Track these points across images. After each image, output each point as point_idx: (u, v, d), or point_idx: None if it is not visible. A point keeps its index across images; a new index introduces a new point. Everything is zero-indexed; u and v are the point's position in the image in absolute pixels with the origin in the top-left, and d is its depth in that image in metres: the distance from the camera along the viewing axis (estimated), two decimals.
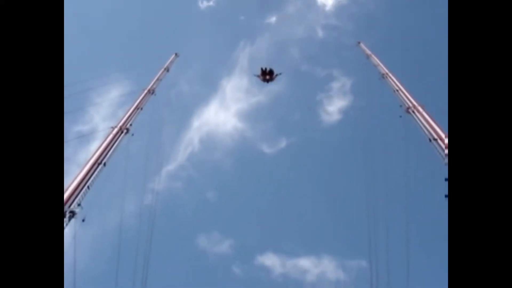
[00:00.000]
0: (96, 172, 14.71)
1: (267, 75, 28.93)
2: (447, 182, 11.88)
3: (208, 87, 53.78)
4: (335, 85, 46.22)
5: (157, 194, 20.06)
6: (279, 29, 55.23)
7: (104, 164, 15.16)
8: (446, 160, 12.54)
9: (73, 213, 13.49)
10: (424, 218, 33.88)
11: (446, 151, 12.95)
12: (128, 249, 17.39)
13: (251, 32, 54.90)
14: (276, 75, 29.11)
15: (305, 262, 36.32)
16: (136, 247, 16.39)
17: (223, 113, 47.64)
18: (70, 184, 13.36)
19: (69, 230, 13.59)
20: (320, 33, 52.52)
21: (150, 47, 51.67)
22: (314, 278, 37.64)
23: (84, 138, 19.19)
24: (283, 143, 44.19)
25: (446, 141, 13.44)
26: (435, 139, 14.32)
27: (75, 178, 13.73)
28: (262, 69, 29.39)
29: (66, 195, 13.10)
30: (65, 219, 13.17)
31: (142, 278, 15.10)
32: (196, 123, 44.65)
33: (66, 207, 13.14)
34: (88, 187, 14.31)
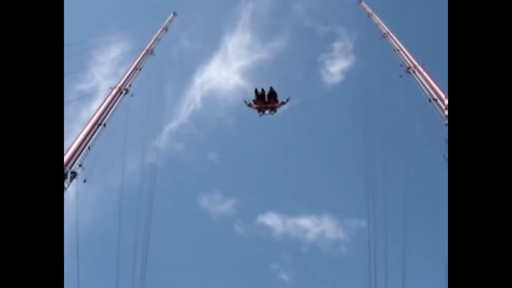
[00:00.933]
0: (96, 133, 14.77)
1: (266, 100, 19.80)
2: (446, 143, 11.94)
3: (209, 44, 53.05)
4: (337, 45, 45.59)
5: (157, 153, 20.11)
6: None
7: (104, 125, 15.20)
8: (446, 121, 12.55)
9: (74, 174, 13.63)
10: (422, 178, 34.16)
11: (446, 112, 12.94)
12: (131, 207, 17.65)
13: None
14: (282, 102, 20.02)
15: (305, 222, 36.97)
16: (138, 205, 16.59)
17: (225, 71, 47.12)
18: (70, 145, 13.43)
19: (72, 190, 13.81)
20: None
21: (152, 4, 50.68)
22: (315, 237, 38.33)
23: (85, 97, 19.20)
24: (285, 105, 43.97)
25: (446, 102, 13.41)
26: (435, 99, 14.28)
27: (76, 139, 13.80)
28: (256, 91, 19.62)
29: (66, 156, 13.19)
30: (66, 180, 13.31)
31: (144, 238, 15.37)
32: (198, 80, 44.24)
33: (67, 168, 13.25)
34: (88, 147, 14.39)
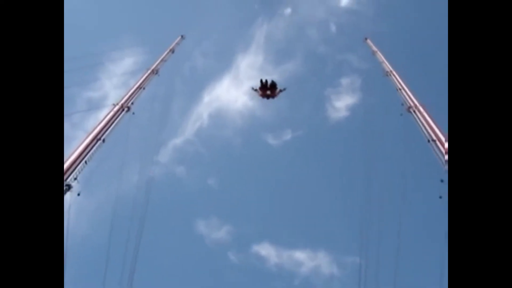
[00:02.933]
0: (94, 148, 14.80)
1: (268, 90, 24.10)
2: (442, 183, 11.94)
3: (222, 63, 53.31)
4: (344, 81, 45.91)
5: (152, 175, 20.08)
6: (298, 9, 54.50)
7: (103, 140, 15.25)
8: (446, 167, 12.55)
9: (69, 187, 13.62)
10: (419, 218, 34.04)
11: (446, 156, 12.94)
12: (125, 222, 17.46)
13: (270, 10, 54.08)
14: (280, 90, 24.15)
15: (300, 255, 36.61)
16: (130, 222, 16.45)
17: (235, 90, 47.28)
18: (67, 158, 13.44)
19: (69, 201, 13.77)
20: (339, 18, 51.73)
21: (168, 21, 50.95)
22: (308, 271, 37.93)
23: (89, 110, 19.32)
24: (288, 135, 43.93)
25: (446, 145, 13.45)
26: (434, 140, 14.35)
27: (73, 152, 13.82)
28: (261, 81, 24.16)
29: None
30: None
31: (133, 254, 15.18)
32: (206, 98, 44.28)
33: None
34: (85, 162, 14.41)
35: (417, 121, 16.15)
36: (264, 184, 43.38)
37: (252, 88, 24.38)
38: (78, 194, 14.28)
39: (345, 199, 37.94)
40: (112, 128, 15.85)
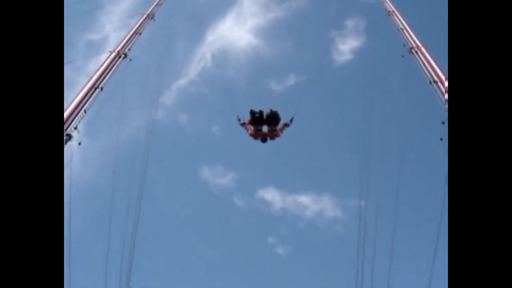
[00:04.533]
0: (92, 96, 14.70)
1: (264, 125, 16.11)
2: (443, 125, 11.91)
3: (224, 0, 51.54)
4: (349, 22, 44.72)
5: (154, 120, 19.78)
6: None
7: (101, 89, 15.12)
8: (446, 106, 12.47)
9: (69, 136, 13.63)
10: (420, 160, 34.30)
11: (446, 95, 12.84)
12: (128, 169, 17.53)
13: None
14: (285, 124, 16.32)
15: (304, 199, 37.08)
16: (132, 168, 16.51)
17: (238, 29, 46.09)
18: (66, 108, 13.37)
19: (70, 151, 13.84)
20: None
21: None
22: (312, 214, 38.61)
23: (88, 57, 19.05)
24: (292, 80, 43.37)
25: (446, 84, 13.31)
26: (435, 82, 14.16)
27: (71, 102, 13.74)
28: (253, 113, 16.10)
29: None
30: None
31: (137, 198, 15.34)
32: (210, 37, 43.37)
33: None
34: (85, 111, 14.35)
35: (419, 62, 15.89)
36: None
37: (238, 120, 16.60)
38: (79, 144, 14.33)
39: (348, 143, 38.06)
40: (110, 76, 15.66)
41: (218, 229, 37.38)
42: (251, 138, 16.07)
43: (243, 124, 16.40)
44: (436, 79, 14.21)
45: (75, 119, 13.77)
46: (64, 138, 13.41)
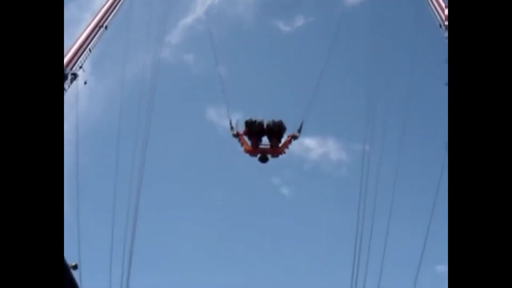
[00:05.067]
0: (97, 35, 14.57)
1: (263, 136, 13.09)
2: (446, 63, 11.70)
3: None
4: None
5: (160, 57, 19.34)
6: None
7: (106, 27, 14.95)
8: (446, 34, 12.23)
9: (75, 76, 13.65)
10: (424, 106, 34.11)
11: (447, 22, 12.60)
12: (135, 107, 17.46)
13: None
14: (292, 137, 13.24)
15: (310, 142, 37.01)
16: (139, 107, 16.39)
17: None
18: (70, 47, 13.32)
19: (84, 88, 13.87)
20: None
21: None
22: (317, 157, 38.80)
23: None
24: (300, 21, 42.13)
25: (446, 11, 13.05)
26: (446, 26, 13.85)
27: (76, 41, 13.64)
28: (248, 124, 12.96)
29: (67, 58, 13.16)
30: (67, 81, 13.37)
31: (144, 138, 15.42)
32: None
33: (67, 70, 13.26)
34: (89, 50, 14.28)
35: (429, 4, 15.46)
36: (275, 67, 42.60)
37: (231, 129, 13.18)
38: (85, 83, 14.35)
39: (355, 87, 37.64)
40: (115, 14, 15.42)
41: (224, 169, 37.83)
42: (249, 155, 12.79)
43: (236, 135, 12.99)
44: (446, 23, 13.87)
45: (80, 58, 13.74)
46: (70, 77, 13.45)
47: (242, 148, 12.97)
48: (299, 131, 13.31)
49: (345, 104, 40.45)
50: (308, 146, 37.14)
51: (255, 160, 13.26)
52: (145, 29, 19.04)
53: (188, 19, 38.48)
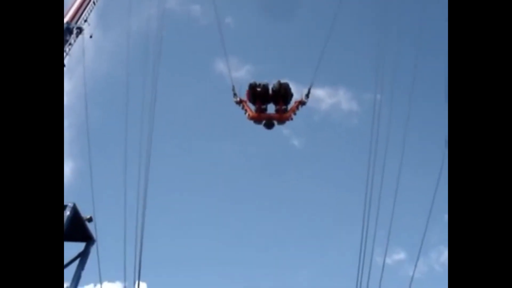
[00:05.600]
0: None
1: (269, 102, 12.34)
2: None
3: None
4: None
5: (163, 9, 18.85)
6: None
7: None
8: None
9: (80, 30, 13.52)
10: (435, 57, 33.39)
11: None
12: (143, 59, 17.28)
13: None
14: (300, 103, 12.63)
15: (320, 92, 36.46)
16: (146, 56, 16.13)
17: None
18: (74, 1, 13.08)
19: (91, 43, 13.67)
20: None
21: None
22: (328, 107, 38.54)
23: None
24: None
25: None
26: None
27: None
28: (253, 87, 12.23)
29: (71, 12, 13.00)
30: (72, 36, 13.26)
31: (152, 92, 15.31)
32: None
33: (72, 24, 13.13)
34: (94, 2, 14.07)
35: None
36: (285, 18, 41.79)
37: (234, 96, 12.54)
38: (90, 37, 14.23)
39: (366, 36, 36.78)
40: None
41: (233, 122, 37.90)
42: (254, 122, 12.30)
43: (239, 102, 12.35)
44: None
45: (85, 12, 13.56)
46: (75, 31, 13.33)
47: (246, 115, 12.36)
48: (307, 96, 12.72)
49: (356, 53, 39.72)
50: (319, 97, 36.87)
51: None
52: None
53: None
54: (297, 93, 12.79)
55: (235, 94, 12.57)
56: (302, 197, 35.10)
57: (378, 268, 12.21)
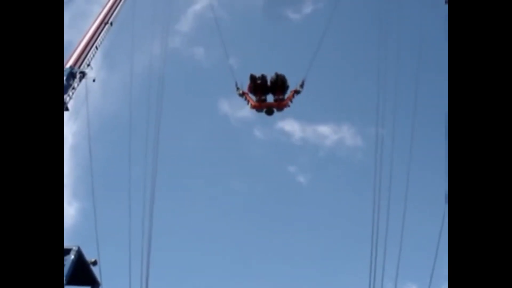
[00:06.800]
0: (103, 32, 14.61)
1: (268, 93, 13.73)
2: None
3: None
4: None
5: (166, 47, 19.04)
6: None
7: (111, 24, 14.98)
8: None
9: (83, 74, 13.74)
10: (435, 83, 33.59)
11: None
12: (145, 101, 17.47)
13: None
14: (295, 92, 13.77)
15: (324, 129, 36.89)
16: (149, 95, 16.34)
17: None
18: (77, 45, 13.39)
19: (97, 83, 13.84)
20: None
21: None
22: (332, 143, 38.58)
23: None
24: (309, 8, 41.35)
25: None
26: None
27: (82, 39, 13.70)
28: (254, 78, 13.68)
29: (74, 56, 13.23)
30: (76, 80, 13.48)
31: (155, 131, 15.44)
32: None
33: (75, 68, 13.36)
34: (96, 47, 14.33)
35: None
36: (286, 56, 42.31)
37: (237, 90, 13.94)
38: (94, 80, 14.44)
39: (367, 73, 37.14)
40: (119, 11, 15.42)
41: (239, 160, 37.91)
42: (256, 111, 13.75)
43: (242, 94, 13.76)
44: None
45: (88, 56, 13.81)
46: (78, 75, 13.55)
47: (249, 105, 13.86)
48: (302, 86, 13.90)
49: (358, 88, 40.00)
50: (323, 133, 37.02)
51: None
52: (151, 20, 18.95)
53: (197, 7, 38.25)
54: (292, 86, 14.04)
55: (238, 88, 13.95)
56: (308, 234, 34.66)
57: None
